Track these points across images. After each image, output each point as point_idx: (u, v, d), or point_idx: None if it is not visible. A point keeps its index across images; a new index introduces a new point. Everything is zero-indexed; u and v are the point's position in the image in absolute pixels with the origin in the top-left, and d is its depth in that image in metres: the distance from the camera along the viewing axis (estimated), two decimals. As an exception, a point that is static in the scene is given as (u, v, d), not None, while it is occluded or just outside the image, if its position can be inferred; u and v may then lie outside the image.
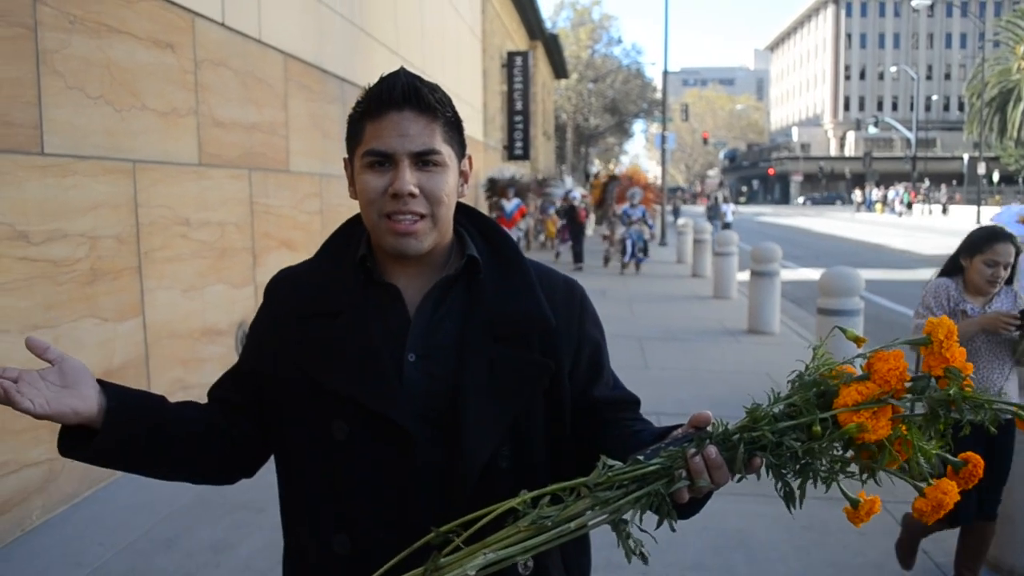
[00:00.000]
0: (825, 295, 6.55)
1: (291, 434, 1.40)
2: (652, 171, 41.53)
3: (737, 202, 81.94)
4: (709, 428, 1.16)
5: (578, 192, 19.84)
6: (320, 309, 1.39)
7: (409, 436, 1.31)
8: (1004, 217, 6.17)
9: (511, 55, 23.77)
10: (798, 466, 1.13)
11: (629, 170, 24.63)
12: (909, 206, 50.13)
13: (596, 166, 25.85)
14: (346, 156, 1.44)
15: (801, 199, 77.55)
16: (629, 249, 15.99)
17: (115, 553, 3.57)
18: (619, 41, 63.96)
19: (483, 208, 17.57)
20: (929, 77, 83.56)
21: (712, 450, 1.12)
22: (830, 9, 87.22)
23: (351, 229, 1.49)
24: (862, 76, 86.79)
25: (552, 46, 33.68)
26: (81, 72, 4.11)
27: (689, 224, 18.76)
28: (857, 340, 1.23)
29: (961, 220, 41.73)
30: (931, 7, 63.59)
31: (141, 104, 4.62)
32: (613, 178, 20.68)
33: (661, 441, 1.19)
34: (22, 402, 1.16)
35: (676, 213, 35.52)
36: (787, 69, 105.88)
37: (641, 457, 1.16)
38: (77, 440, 1.27)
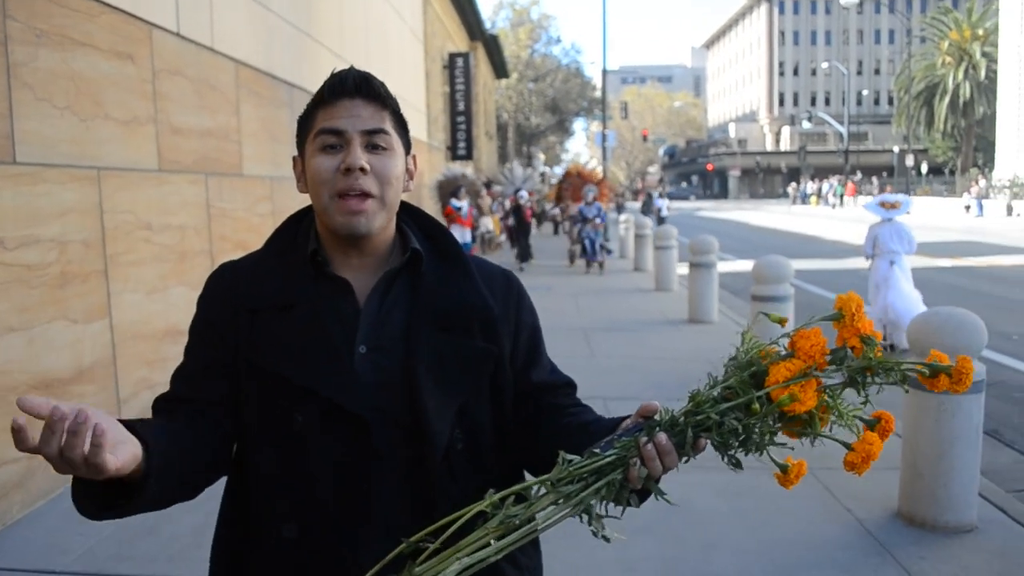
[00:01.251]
0: (758, 282, 6.97)
1: (248, 423, 1.42)
2: (594, 168, 42.07)
3: (685, 198, 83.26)
4: (656, 416, 1.25)
5: (525, 191, 19.69)
6: (274, 302, 1.42)
7: (366, 423, 1.35)
8: (870, 204, 8.47)
9: (452, 56, 23.99)
10: (738, 441, 1.22)
11: (574, 166, 24.73)
12: (841, 198, 51.56)
13: (542, 163, 26.22)
14: (295, 155, 1.49)
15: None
16: (588, 248, 15.88)
17: (98, 541, 3.76)
18: (558, 40, 64.60)
19: (432, 210, 17.74)
20: (860, 72, 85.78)
21: (662, 436, 1.20)
22: (763, 7, 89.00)
23: (297, 224, 1.52)
24: (795, 72, 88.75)
25: (492, 46, 33.96)
26: (48, 84, 4.28)
27: (630, 220, 19.23)
28: (780, 321, 1.35)
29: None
30: (860, 5, 65.45)
31: (104, 113, 4.80)
32: (566, 176, 20.82)
33: (613, 433, 1.27)
34: (111, 461, 1.08)
35: (620, 209, 36.09)
36: (723, 66, 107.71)
37: (597, 450, 1.22)
38: (105, 497, 1.20)
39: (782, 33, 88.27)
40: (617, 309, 11.12)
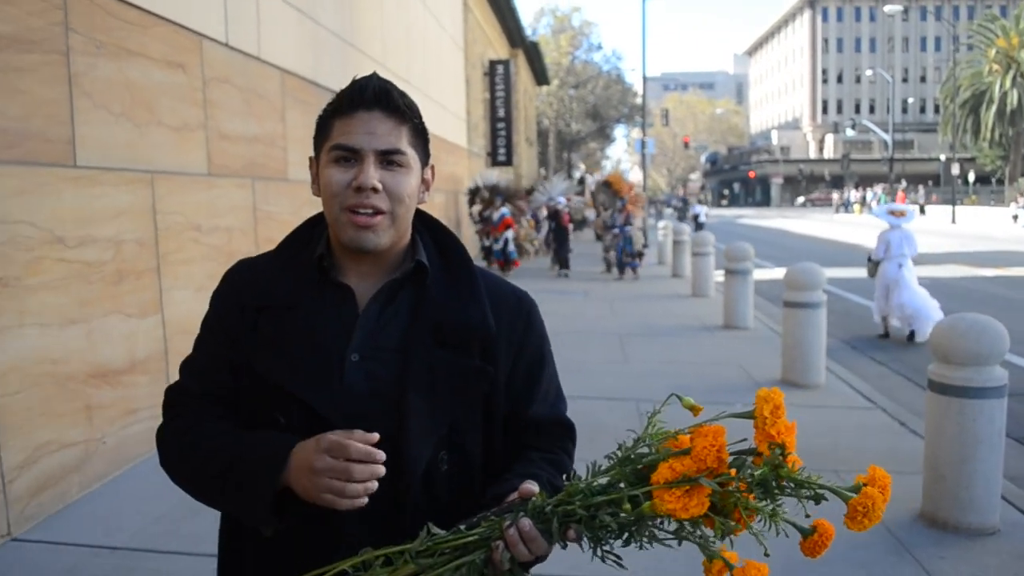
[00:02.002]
0: (790, 289, 7.04)
1: (243, 415, 1.44)
2: (634, 176, 42.14)
3: (719, 205, 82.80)
4: (534, 499, 1.22)
5: (563, 197, 19.48)
6: (275, 302, 1.43)
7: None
8: (878, 211, 9.34)
9: (493, 63, 24.22)
10: (624, 534, 1.17)
11: (612, 176, 24.60)
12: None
13: (581, 170, 26.41)
14: (312, 155, 1.49)
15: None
16: (618, 256, 15.98)
17: (151, 520, 3.98)
18: (599, 47, 64.81)
19: (464, 215, 17.89)
20: (905, 80, 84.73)
21: (526, 523, 1.19)
22: (807, 14, 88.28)
23: (311, 227, 1.53)
24: (839, 79, 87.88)
25: (533, 53, 34.16)
26: (106, 92, 4.53)
27: (668, 227, 19.27)
28: (693, 409, 1.25)
29: (936, 220, 42.49)
30: (905, 11, 64.57)
31: (157, 120, 5.05)
32: (606, 184, 20.73)
33: (487, 510, 1.26)
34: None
35: (659, 217, 36.08)
36: (766, 73, 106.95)
37: (463, 527, 1.22)
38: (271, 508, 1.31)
39: (825, 40, 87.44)
40: (653, 314, 11.21)
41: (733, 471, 1.14)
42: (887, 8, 41.80)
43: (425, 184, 1.50)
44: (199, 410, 1.45)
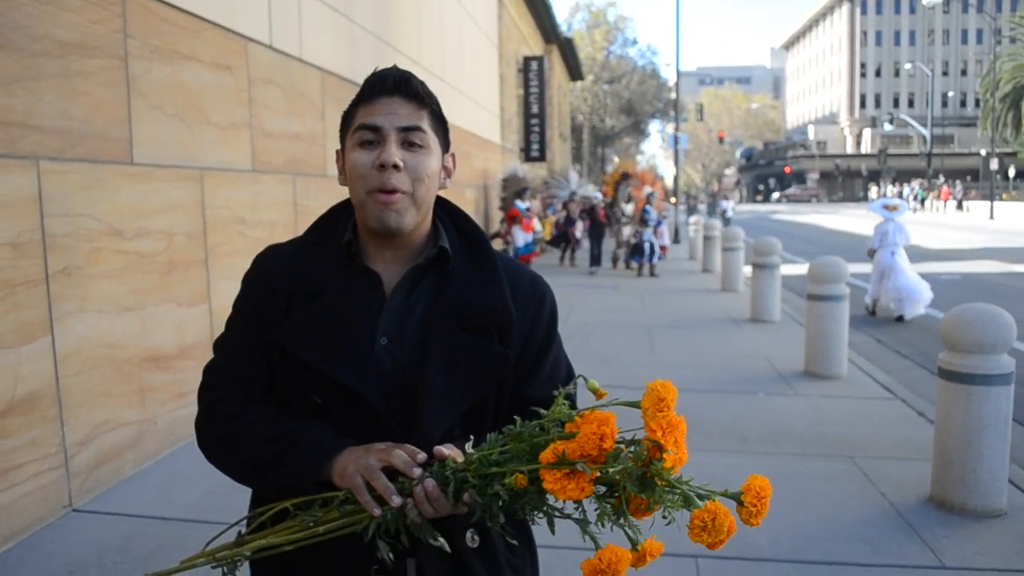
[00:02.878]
0: (814, 282, 7.20)
1: (279, 397, 1.50)
2: (668, 170, 42.22)
3: (754, 200, 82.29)
4: (443, 464, 1.29)
5: (599, 193, 19.34)
6: (306, 288, 1.47)
7: (378, 413, 1.42)
8: (874, 205, 10.34)
9: (527, 60, 24.43)
10: (502, 507, 1.23)
11: (625, 164, 24.36)
12: (923, 202, 50.40)
13: (614, 165, 26.58)
14: (339, 148, 1.55)
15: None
16: (647, 252, 15.58)
17: (200, 495, 4.27)
18: (634, 42, 64.52)
19: (496, 208, 18.04)
20: (945, 73, 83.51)
21: (429, 483, 1.26)
22: (845, 7, 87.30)
23: (339, 214, 1.57)
24: (878, 73, 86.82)
25: (567, 49, 34.30)
26: (160, 94, 4.83)
27: (699, 222, 19.36)
28: (596, 392, 1.30)
29: (975, 215, 41.99)
30: (946, 4, 63.82)
31: (206, 119, 5.34)
32: (626, 175, 20.59)
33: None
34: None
35: (690, 212, 36.03)
36: (803, 67, 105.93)
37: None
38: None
39: (864, 33, 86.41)
40: (682, 308, 11.38)
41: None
42: (927, 1, 41.30)
43: (446, 171, 1.55)
44: (241, 394, 1.50)
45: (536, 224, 18.00)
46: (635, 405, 1.19)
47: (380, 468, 1.29)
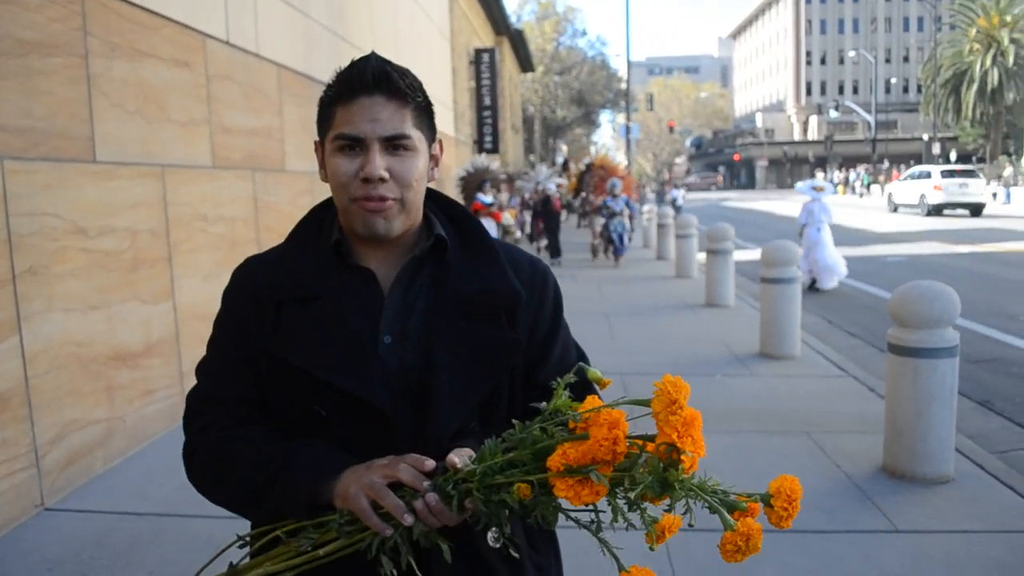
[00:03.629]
0: (767, 266, 7.40)
1: (277, 417, 1.42)
2: (620, 161, 42.55)
3: (708, 189, 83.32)
4: (444, 476, 1.23)
5: (552, 183, 18.95)
6: (297, 295, 1.40)
7: (387, 417, 1.34)
8: (802, 187, 11.95)
9: (478, 52, 24.46)
10: (511, 513, 1.18)
11: (600, 159, 24.20)
12: (869, 187, 51.49)
13: (563, 154, 26.75)
14: (317, 139, 1.46)
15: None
16: (617, 242, 15.46)
17: (172, 490, 4.30)
18: (584, 33, 64.81)
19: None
20: (888, 60, 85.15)
21: (431, 498, 1.20)
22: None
23: (322, 214, 1.51)
24: (823, 61, 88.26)
25: (517, 41, 34.36)
26: (120, 91, 4.83)
27: (653, 211, 19.62)
28: (599, 382, 1.27)
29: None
30: (887, -8, 65.11)
31: (167, 116, 5.35)
32: (589, 167, 20.51)
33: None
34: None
35: (643, 201, 36.41)
36: (750, 56, 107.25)
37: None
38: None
39: (809, 22, 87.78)
40: (638, 295, 11.57)
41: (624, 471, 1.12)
42: (868, -10, 42.20)
43: (434, 160, 1.48)
44: (228, 418, 1.42)
45: (506, 216, 17.85)
46: (645, 404, 1.13)
47: (386, 484, 1.23)
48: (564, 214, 23.56)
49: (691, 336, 8.43)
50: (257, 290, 1.43)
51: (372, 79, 1.36)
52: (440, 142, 1.51)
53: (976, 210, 28.47)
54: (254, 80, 6.83)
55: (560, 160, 22.93)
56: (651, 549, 1.13)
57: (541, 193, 18.76)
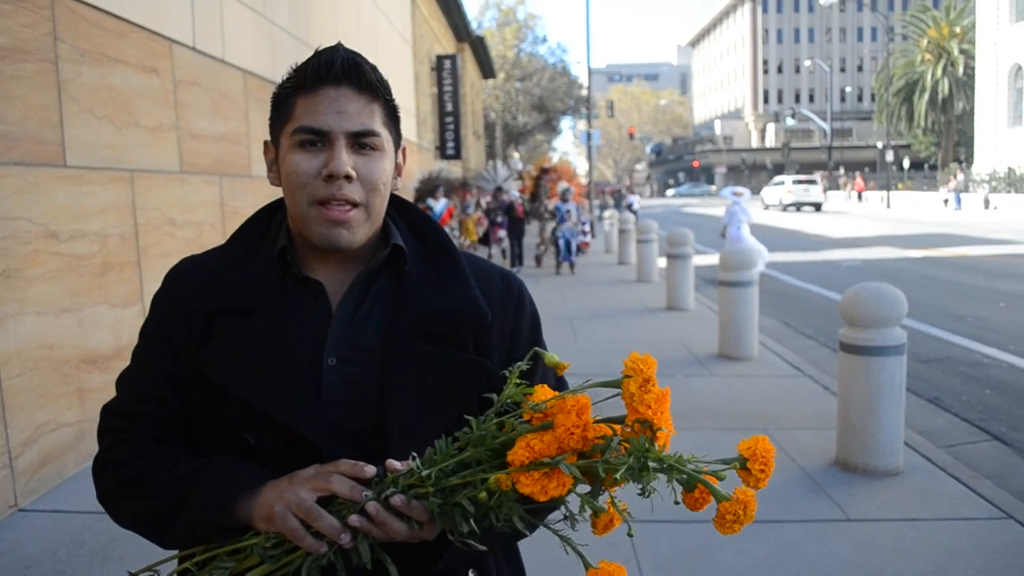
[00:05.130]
0: (724, 270, 7.61)
1: (198, 439, 1.28)
2: (580, 167, 42.84)
3: (663, 195, 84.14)
4: (386, 479, 1.09)
5: (516, 189, 18.67)
6: (231, 306, 1.26)
7: (320, 453, 1.18)
8: (724, 191, 13.01)
9: (440, 58, 24.55)
10: (472, 518, 1.05)
11: (559, 164, 24.06)
12: (824, 193, 52.50)
13: (517, 161, 26.75)
14: (268, 139, 1.32)
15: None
16: (563, 248, 15.18)
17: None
18: (544, 40, 65.02)
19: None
20: (843, 70, 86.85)
21: (372, 506, 1.05)
22: (747, 6, 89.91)
23: (269, 218, 1.36)
24: (780, 70, 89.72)
25: (479, 47, 34.52)
26: (90, 96, 4.88)
27: (614, 216, 19.86)
28: (557, 366, 1.17)
29: (872, 205, 43.91)
30: (842, 3, 66.39)
31: (135, 122, 5.39)
32: (544, 171, 20.46)
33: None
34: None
35: (603, 207, 36.71)
36: (709, 64, 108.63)
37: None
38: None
39: (766, 31, 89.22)
40: (600, 299, 11.75)
41: (598, 455, 1.04)
42: (824, 0, 43.01)
43: (398, 169, 1.34)
44: (142, 436, 1.28)
45: (452, 223, 17.68)
46: (616, 385, 1.07)
47: (316, 500, 1.07)
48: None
49: (652, 338, 8.61)
50: (189, 298, 1.28)
51: (341, 69, 1.22)
52: (404, 149, 1.38)
53: (818, 207, 41.16)
54: (220, 86, 6.88)
55: (515, 166, 22.82)
56: (630, 535, 1.13)
57: (502, 198, 18.61)
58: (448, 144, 24.74)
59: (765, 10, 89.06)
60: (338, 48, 1.25)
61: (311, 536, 1.06)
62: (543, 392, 1.08)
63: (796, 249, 19.99)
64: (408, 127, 17.87)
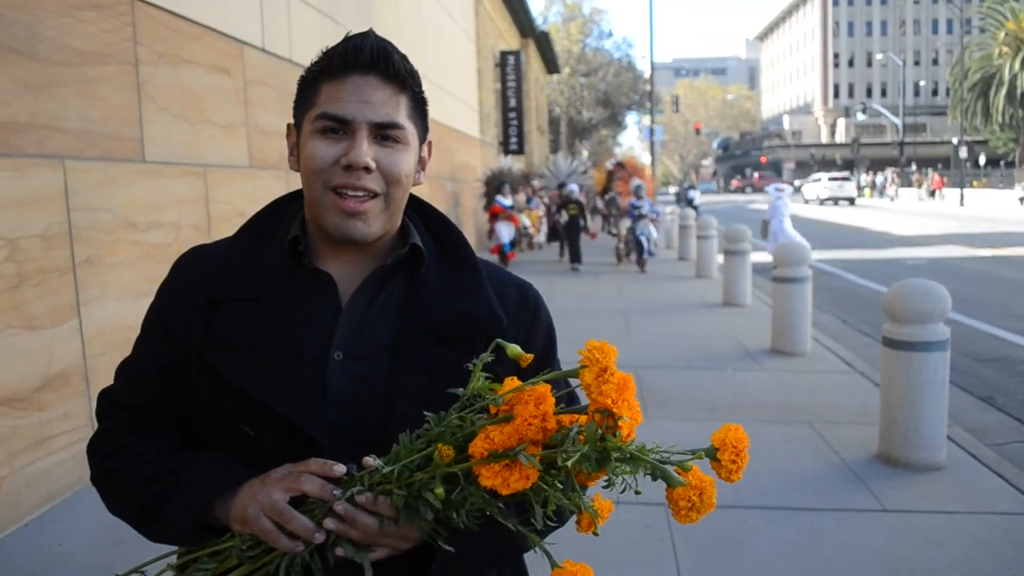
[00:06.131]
0: (779, 265, 7.66)
1: (202, 428, 1.27)
2: (644, 162, 42.76)
3: (729, 190, 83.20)
4: (355, 476, 1.10)
5: (575, 184, 18.06)
6: (236, 293, 1.23)
7: (322, 450, 1.15)
8: (769, 188, 13.96)
9: (504, 54, 24.78)
10: (438, 514, 1.05)
11: (627, 158, 23.58)
12: (897, 190, 51.38)
13: (585, 157, 26.68)
14: (291, 122, 1.31)
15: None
16: (646, 245, 14.74)
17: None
18: (610, 35, 65.12)
19: (475, 206, 18.09)
20: (917, 63, 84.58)
21: (339, 506, 1.07)
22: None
23: (283, 207, 1.35)
24: (851, 63, 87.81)
25: (543, 43, 34.65)
26: (166, 96, 5.20)
27: (675, 212, 19.85)
28: (519, 358, 1.14)
29: (946, 203, 42.82)
30: (916, -6, 64.81)
31: (207, 119, 5.71)
32: (620, 165, 20.02)
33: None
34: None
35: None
36: (777, 58, 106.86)
37: None
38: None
39: (837, 24, 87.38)
40: (657, 294, 11.84)
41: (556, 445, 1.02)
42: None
43: (422, 163, 1.32)
44: (129, 427, 1.29)
45: (524, 219, 17.39)
46: (572, 375, 1.06)
47: (288, 500, 1.08)
48: (591, 218, 22.96)
49: (706, 333, 8.69)
50: (194, 285, 1.27)
51: (370, 56, 1.20)
52: (430, 143, 1.35)
53: (851, 201, 46.63)
54: (288, 84, 7.17)
55: (587, 163, 22.56)
56: (595, 534, 1.08)
57: (565, 196, 18.24)
58: (511, 140, 24.97)
59: (836, 3, 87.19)
60: (368, 35, 1.22)
61: (285, 537, 1.07)
62: (510, 385, 1.06)
63: (860, 247, 19.72)
64: (471, 123, 18.15)
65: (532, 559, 1.29)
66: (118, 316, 4.66)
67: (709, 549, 3.62)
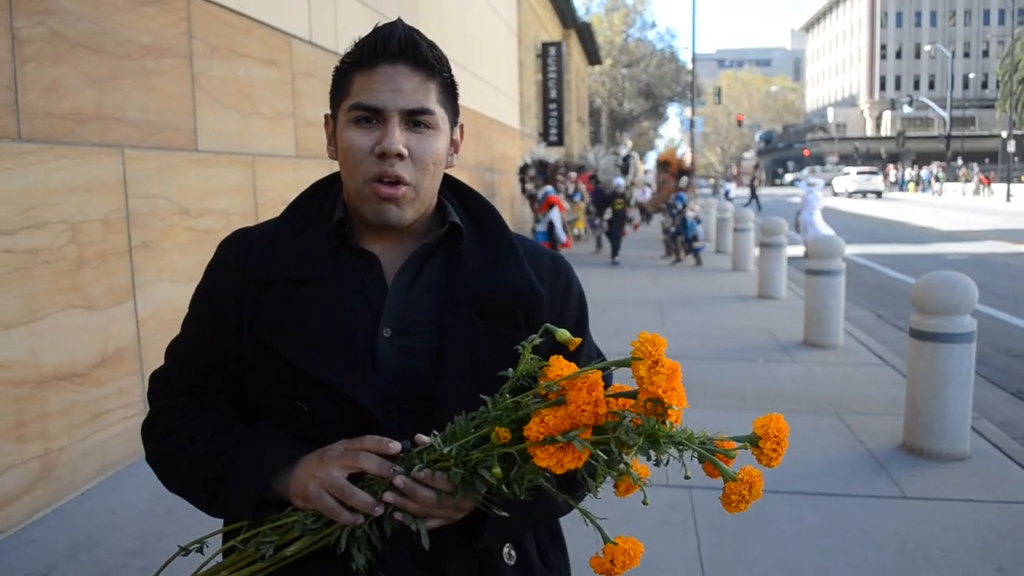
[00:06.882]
0: (812, 258, 7.74)
1: (253, 407, 1.32)
2: (685, 153, 42.52)
3: (772, 183, 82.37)
4: (411, 453, 1.16)
5: (621, 179, 17.54)
6: (287, 275, 1.27)
7: (375, 418, 1.22)
8: (801, 183, 13.04)
9: (545, 45, 24.85)
10: (492, 487, 1.12)
11: (669, 153, 23.29)
12: (943, 185, 50.55)
13: (627, 147, 26.62)
14: (328, 112, 1.35)
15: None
16: (700, 237, 14.95)
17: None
18: (653, 25, 64.76)
19: (516, 195, 18.18)
20: (967, 55, 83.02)
21: (399, 481, 1.13)
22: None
23: (326, 190, 1.37)
24: (898, 55, 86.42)
25: (585, 34, 34.64)
26: (218, 88, 5.43)
27: (713, 204, 19.84)
28: (568, 342, 1.18)
29: (992, 198, 42.09)
30: (967, -16, 63.51)
31: (256, 110, 5.95)
32: (666, 161, 19.77)
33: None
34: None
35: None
36: (823, 49, 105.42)
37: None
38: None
39: (884, 14, 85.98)
40: (693, 286, 11.93)
41: (611, 430, 1.08)
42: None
43: (454, 146, 1.37)
44: (185, 405, 1.35)
45: (568, 207, 17.43)
46: (625, 365, 1.10)
47: (347, 477, 1.15)
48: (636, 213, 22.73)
49: (739, 325, 8.78)
50: (243, 267, 1.30)
51: (398, 46, 1.24)
52: (462, 126, 1.40)
53: (879, 194, 49.62)
54: (333, 76, 7.41)
55: (623, 152, 22.38)
56: (644, 503, 1.16)
57: (608, 188, 18.01)
58: (551, 131, 25.06)
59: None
60: (396, 24, 1.26)
61: (347, 511, 1.14)
62: (557, 365, 1.11)
63: (900, 241, 19.57)
64: (511, 114, 18.29)
65: (567, 523, 1.38)
66: (171, 298, 4.91)
67: (731, 530, 3.76)
